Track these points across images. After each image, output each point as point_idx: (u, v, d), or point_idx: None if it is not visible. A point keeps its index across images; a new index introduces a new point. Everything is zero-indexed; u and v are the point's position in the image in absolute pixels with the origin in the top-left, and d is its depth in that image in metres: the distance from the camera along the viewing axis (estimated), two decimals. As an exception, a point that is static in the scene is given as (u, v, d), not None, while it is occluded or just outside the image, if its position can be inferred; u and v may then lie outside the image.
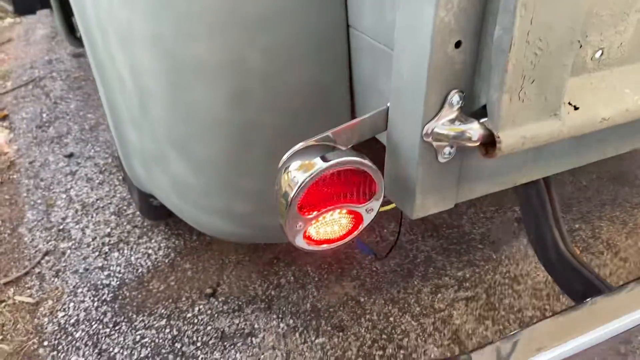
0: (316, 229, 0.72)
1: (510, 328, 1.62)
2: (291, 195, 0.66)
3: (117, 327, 1.67)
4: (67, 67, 3.30)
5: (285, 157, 0.73)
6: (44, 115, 2.81)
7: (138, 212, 2.06)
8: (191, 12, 0.93)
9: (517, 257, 1.86)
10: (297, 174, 0.67)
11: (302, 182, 0.66)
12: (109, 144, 2.52)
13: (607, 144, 0.92)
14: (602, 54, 0.77)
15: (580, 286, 0.95)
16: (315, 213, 0.70)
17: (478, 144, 0.69)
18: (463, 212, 2.07)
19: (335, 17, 0.94)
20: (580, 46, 0.74)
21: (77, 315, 1.71)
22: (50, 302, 1.77)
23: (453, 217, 2.04)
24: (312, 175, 0.66)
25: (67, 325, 1.68)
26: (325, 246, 0.75)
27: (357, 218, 0.74)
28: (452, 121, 0.70)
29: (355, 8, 0.92)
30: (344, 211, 0.73)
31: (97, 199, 2.20)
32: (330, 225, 0.73)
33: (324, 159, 0.67)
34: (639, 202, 2.12)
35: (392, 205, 0.95)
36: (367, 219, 0.75)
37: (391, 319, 1.66)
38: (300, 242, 0.72)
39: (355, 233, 0.76)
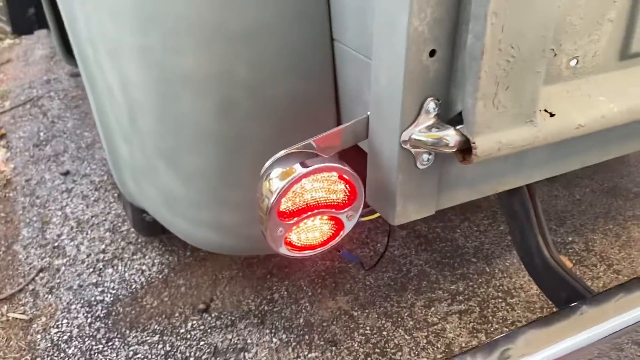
0: (297, 235, 0.73)
1: (504, 341, 1.62)
2: (271, 201, 0.68)
3: (110, 343, 1.67)
4: (64, 87, 3.34)
5: (267, 164, 0.74)
6: (41, 134, 2.84)
7: (132, 229, 2.07)
8: (178, 26, 0.95)
9: (510, 271, 1.87)
10: (276, 180, 0.69)
11: (282, 187, 0.67)
12: (105, 161, 2.54)
13: (587, 152, 0.94)
14: (577, 62, 0.79)
15: (564, 293, 0.96)
16: (295, 219, 0.71)
17: (455, 150, 0.71)
18: (456, 226, 2.08)
19: (319, 31, 0.96)
20: (555, 55, 0.76)
21: (70, 331, 1.71)
22: (43, 318, 1.76)
23: (446, 230, 2.05)
24: (290, 181, 0.67)
25: (60, 342, 1.68)
26: (307, 252, 0.75)
27: (338, 224, 0.75)
28: (429, 128, 0.72)
29: (339, 22, 0.94)
30: (325, 217, 0.74)
31: (92, 216, 2.21)
32: (311, 232, 0.74)
33: (303, 165, 0.68)
34: (632, 215, 2.13)
35: (377, 215, 0.96)
36: (348, 225, 0.76)
37: (384, 332, 1.65)
38: (281, 248, 0.73)
39: (337, 239, 0.76)
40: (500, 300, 1.76)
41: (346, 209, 0.74)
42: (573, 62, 0.79)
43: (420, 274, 1.86)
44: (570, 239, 2.01)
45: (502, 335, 0.81)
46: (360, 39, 0.87)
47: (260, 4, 0.94)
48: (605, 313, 0.84)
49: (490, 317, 1.70)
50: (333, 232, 0.76)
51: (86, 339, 1.68)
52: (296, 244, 0.74)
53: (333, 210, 0.73)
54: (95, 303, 1.80)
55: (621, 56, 0.82)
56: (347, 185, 0.72)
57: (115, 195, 2.31)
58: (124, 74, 1.08)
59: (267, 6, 0.94)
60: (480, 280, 1.83)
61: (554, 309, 1.69)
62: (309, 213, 0.71)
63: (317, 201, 0.71)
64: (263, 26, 0.95)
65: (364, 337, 1.64)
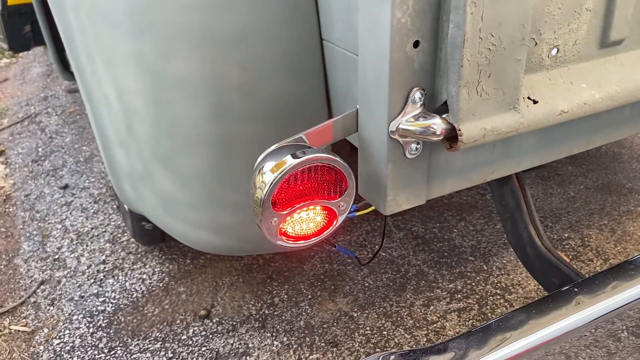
0: (292, 226, 0.75)
1: (503, 337, 1.63)
2: (264, 192, 0.70)
3: (112, 352, 1.67)
4: (62, 103, 3.37)
5: (259, 158, 0.76)
6: (40, 149, 2.86)
7: (132, 239, 2.09)
8: (170, 31, 0.97)
9: (507, 268, 1.88)
10: (269, 172, 0.71)
11: (274, 179, 0.69)
12: (104, 174, 2.56)
13: (574, 140, 0.96)
14: (558, 51, 0.82)
15: (557, 280, 0.97)
16: (289, 209, 0.73)
17: (442, 138, 0.73)
18: (453, 226, 2.10)
19: (309, 31, 0.99)
20: (536, 44, 0.79)
21: (73, 342, 1.72)
22: (45, 330, 1.77)
23: (443, 231, 2.07)
24: (282, 173, 0.69)
25: (62, 352, 1.69)
26: (302, 242, 0.77)
27: (331, 215, 0.77)
28: (416, 118, 0.74)
29: (327, 22, 0.96)
30: (318, 208, 0.76)
31: (92, 228, 2.23)
32: (305, 223, 0.76)
33: (294, 157, 0.70)
34: (626, 210, 2.15)
35: (371, 208, 0.98)
36: (341, 215, 0.78)
37: (384, 332, 1.66)
38: (277, 239, 0.75)
39: (331, 229, 0.78)
40: (498, 297, 1.77)
41: (338, 199, 0.76)
42: (554, 51, 0.81)
43: (419, 273, 1.87)
44: (566, 235, 2.02)
45: (497, 318, 0.83)
46: (347, 36, 0.90)
47: (250, 7, 0.97)
48: (595, 296, 0.86)
49: (489, 314, 1.71)
50: (326, 222, 0.78)
51: (89, 349, 1.69)
52: (291, 235, 0.76)
53: (325, 200, 0.75)
54: (96, 313, 1.81)
55: (600, 44, 0.85)
56: (338, 176, 0.74)
57: (115, 206, 2.33)
58: (120, 81, 1.10)
59: (256, 9, 0.97)
60: (478, 278, 1.85)
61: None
62: (302, 203, 0.73)
63: (309, 192, 0.73)
64: (253, 29, 0.98)
65: (364, 338, 1.65)
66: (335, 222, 0.78)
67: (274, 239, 0.74)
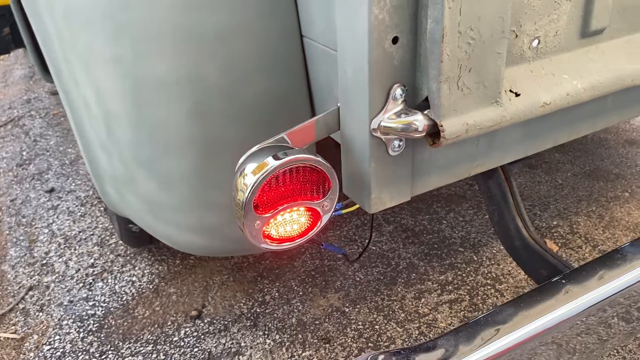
0: (275, 228, 0.74)
1: (495, 327, 1.63)
2: (246, 195, 0.68)
3: (103, 356, 1.66)
4: (45, 105, 3.33)
5: (240, 160, 0.75)
6: (24, 153, 2.83)
7: (120, 241, 2.07)
8: (147, 32, 0.96)
9: (498, 258, 1.89)
10: (250, 175, 0.70)
11: (256, 181, 0.68)
12: (90, 176, 2.54)
13: (558, 130, 0.96)
14: (539, 42, 0.81)
15: (545, 270, 0.97)
16: (271, 212, 0.72)
17: (424, 134, 0.72)
18: (442, 218, 2.10)
19: (288, 28, 0.97)
20: (516, 36, 0.78)
21: (63, 347, 1.71)
22: (35, 336, 1.76)
23: (433, 223, 2.07)
24: (264, 174, 0.68)
25: (53, 359, 1.67)
26: (287, 244, 0.76)
27: (315, 216, 0.76)
28: (398, 114, 0.73)
29: (307, 18, 0.95)
30: (302, 209, 0.75)
31: (79, 231, 2.20)
32: (289, 224, 0.75)
33: (276, 158, 0.69)
34: (613, 195, 2.16)
35: (357, 206, 0.98)
36: (325, 216, 0.77)
37: (377, 326, 1.66)
38: (260, 242, 0.74)
39: (315, 230, 0.78)
40: (489, 287, 1.77)
41: (322, 199, 0.75)
42: (535, 43, 0.81)
43: (409, 266, 1.87)
44: (554, 223, 2.03)
45: (486, 312, 0.82)
46: (327, 33, 0.89)
47: (228, 6, 0.95)
48: (584, 287, 0.86)
49: (481, 305, 1.71)
50: (311, 222, 0.77)
51: (79, 354, 1.67)
52: (275, 237, 0.75)
53: (308, 201, 0.74)
54: (86, 317, 1.80)
55: (581, 34, 0.84)
56: (321, 176, 0.73)
57: (102, 209, 2.30)
58: (98, 84, 1.09)
59: (235, 7, 0.95)
60: (468, 268, 1.85)
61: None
62: (285, 205, 0.72)
63: (292, 193, 0.72)
64: (232, 27, 0.97)
65: (356, 333, 1.65)
66: (319, 223, 0.77)
67: (258, 242, 0.73)
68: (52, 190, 2.48)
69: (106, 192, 1.38)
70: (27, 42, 2.35)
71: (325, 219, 0.77)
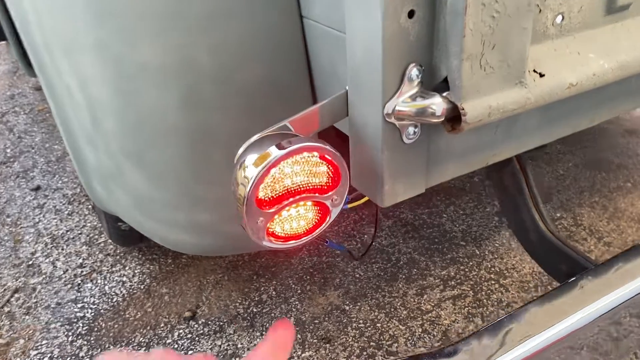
0: (281, 225, 0.67)
1: (501, 323, 1.58)
2: (247, 189, 0.61)
3: (93, 361, 1.59)
4: (30, 101, 3.23)
5: (240, 151, 0.68)
6: (8, 150, 2.73)
7: (109, 240, 1.99)
8: (133, 15, 0.88)
9: (500, 251, 1.83)
10: (252, 166, 0.63)
11: (258, 173, 0.61)
12: (77, 173, 2.45)
13: (578, 116, 0.89)
14: (562, 18, 0.74)
15: (565, 266, 0.91)
16: (276, 207, 0.65)
17: (442, 119, 0.65)
18: (442, 211, 2.04)
19: (286, 8, 0.90)
20: (540, 11, 0.71)
21: (51, 352, 1.63)
22: (22, 341, 1.68)
23: (433, 216, 2.01)
24: (267, 166, 0.61)
25: (40, 364, 1.60)
26: (292, 242, 0.69)
27: (324, 210, 0.70)
28: (413, 97, 0.66)
29: (307, -3, 0.88)
30: (309, 204, 0.68)
31: (67, 230, 2.12)
32: (295, 220, 0.68)
33: (280, 147, 0.62)
34: (616, 186, 2.11)
35: (365, 199, 0.91)
36: (334, 210, 0.70)
37: (378, 325, 1.60)
38: (264, 240, 0.67)
39: (323, 226, 0.71)
40: (493, 282, 1.72)
41: (330, 193, 0.68)
42: (559, 19, 0.74)
43: (410, 261, 1.81)
44: (558, 214, 1.98)
45: (505, 315, 0.76)
46: (330, 12, 0.82)
47: (220, -15, 0.88)
48: (606, 285, 0.79)
49: (485, 300, 1.65)
50: (318, 219, 0.70)
51: (68, 359, 1.60)
52: (280, 235, 0.68)
53: (316, 194, 0.67)
54: (75, 320, 1.72)
55: (607, 10, 0.78)
56: (330, 167, 0.66)
57: (90, 207, 2.22)
58: (81, 72, 1.01)
59: (229, -14, 0.88)
60: (471, 263, 1.79)
61: (549, 287, 1.66)
62: (290, 200, 0.65)
63: (299, 186, 0.65)
64: (225, 9, 0.89)
65: (357, 331, 1.59)
66: (328, 218, 0.70)
67: (261, 240, 0.66)
68: (37, 189, 2.40)
69: (93, 188, 1.31)
70: (9, 35, 2.26)
71: (334, 213, 0.70)
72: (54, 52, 1.08)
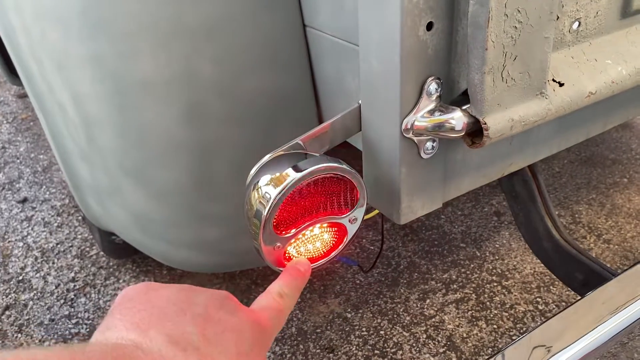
0: (296, 248, 0.64)
1: (505, 326, 1.56)
2: (264, 214, 0.58)
3: (91, 379, 1.54)
4: (12, 109, 3.15)
5: (252, 171, 0.65)
6: (-8, 161, 2.66)
7: (102, 252, 1.94)
8: (130, 27, 0.84)
9: (501, 252, 1.81)
10: (268, 188, 0.60)
11: (275, 197, 0.58)
12: (65, 184, 2.39)
13: (592, 122, 0.87)
14: (579, 25, 0.72)
15: (580, 274, 0.89)
16: (293, 231, 0.62)
17: (463, 134, 0.63)
18: (440, 212, 2.02)
19: (289, 17, 0.87)
20: (557, 18, 0.69)
21: (46, 371, 1.58)
22: (15, 360, 1.63)
23: (431, 218, 1.99)
24: (285, 189, 0.58)
25: (36, 384, 1.55)
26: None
27: (341, 231, 0.67)
28: (432, 112, 0.64)
29: (310, 5, 0.85)
30: (325, 225, 0.65)
31: (57, 243, 2.07)
32: (311, 242, 0.65)
33: (297, 169, 0.59)
34: (612, 182, 2.11)
35: (375, 212, 0.88)
36: (352, 230, 0.67)
37: (382, 332, 1.58)
38: (279, 264, 0.64)
39: (341, 247, 0.68)
40: (495, 284, 1.70)
41: (349, 213, 0.65)
42: (575, 25, 0.72)
43: (410, 265, 1.79)
44: (556, 213, 1.96)
45: (529, 331, 0.74)
46: (336, 21, 0.79)
47: (220, -7, 0.84)
48: (632, 293, 0.78)
49: (488, 303, 1.64)
50: (336, 240, 0.67)
51: (64, 377, 1.55)
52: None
53: (334, 215, 0.64)
54: (70, 337, 1.67)
55: (622, 14, 0.76)
56: (347, 186, 0.63)
57: (80, 218, 2.17)
58: (75, 88, 0.97)
59: (228, -5, 0.85)
60: (472, 265, 1.77)
61: (552, 287, 1.65)
62: (307, 223, 0.62)
63: (316, 208, 0.62)
64: (225, 18, 0.86)
65: (361, 340, 1.56)
66: (345, 239, 0.67)
67: (277, 266, 0.63)
68: (24, 200, 2.33)
69: (87, 204, 1.26)
70: (-10, 43, 2.19)
71: (352, 232, 0.68)
72: (44, 64, 1.04)
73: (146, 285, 0.51)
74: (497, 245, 1.84)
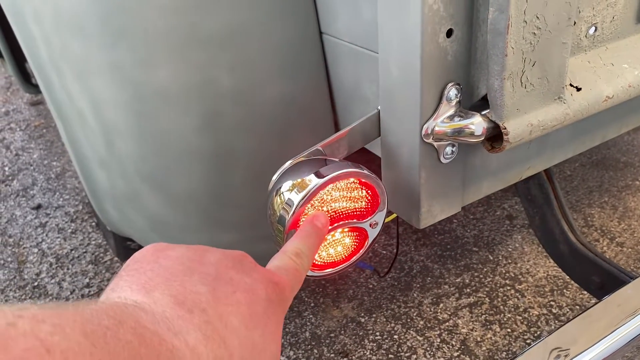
0: (318, 252, 0.65)
1: (519, 330, 1.56)
2: (288, 218, 0.59)
3: (107, 384, 1.56)
4: (25, 117, 3.19)
5: (274, 177, 0.66)
6: (6, 168, 2.69)
7: (116, 258, 1.96)
8: (149, 35, 0.86)
9: (514, 256, 1.81)
10: (291, 194, 0.60)
11: (299, 202, 0.59)
12: (78, 190, 2.42)
13: (608, 125, 0.88)
14: (595, 29, 0.73)
15: (597, 278, 0.90)
16: (316, 235, 0.62)
17: (482, 138, 0.63)
18: (452, 216, 2.02)
19: (305, 25, 0.88)
20: (574, 23, 0.70)
21: (63, 376, 1.59)
22: (31, 365, 1.64)
23: (443, 222, 1.99)
24: (308, 194, 0.59)
25: (52, 389, 1.56)
26: (329, 271, 0.67)
27: (362, 235, 0.67)
28: (452, 117, 0.65)
29: (327, 12, 0.86)
30: (346, 229, 0.66)
31: (71, 249, 2.09)
32: (333, 247, 0.66)
33: (319, 175, 0.60)
34: (624, 185, 2.11)
35: (393, 216, 0.89)
36: (373, 234, 0.68)
37: (395, 336, 1.58)
38: (303, 270, 0.65)
39: (362, 252, 0.69)
40: (508, 287, 1.70)
41: (370, 217, 0.66)
42: (592, 30, 0.72)
43: (423, 270, 1.79)
44: (568, 216, 1.96)
45: (546, 335, 0.74)
46: (353, 28, 0.80)
47: (237, 1, 0.86)
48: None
49: (502, 307, 1.64)
50: (357, 244, 0.68)
51: (81, 382, 1.57)
52: (317, 262, 0.66)
53: (356, 220, 0.65)
54: (85, 342, 1.69)
55: (638, 18, 0.77)
56: (368, 191, 0.64)
57: (94, 224, 2.19)
58: (95, 95, 0.98)
59: (244, 3, 0.86)
60: (485, 269, 1.77)
61: (565, 290, 1.64)
62: (329, 227, 0.63)
63: (338, 213, 0.63)
64: (242, 26, 0.87)
65: (375, 344, 1.57)
66: (366, 243, 0.68)
67: (300, 271, 0.64)
68: (39, 207, 2.36)
69: (105, 210, 1.28)
70: (4, 52, 2.22)
71: (372, 237, 0.68)
72: (64, 73, 1.05)
73: (155, 246, 0.48)
74: (509, 249, 1.84)
